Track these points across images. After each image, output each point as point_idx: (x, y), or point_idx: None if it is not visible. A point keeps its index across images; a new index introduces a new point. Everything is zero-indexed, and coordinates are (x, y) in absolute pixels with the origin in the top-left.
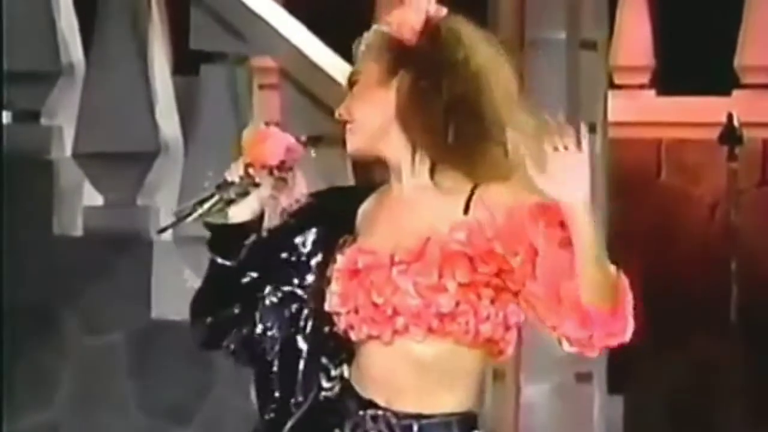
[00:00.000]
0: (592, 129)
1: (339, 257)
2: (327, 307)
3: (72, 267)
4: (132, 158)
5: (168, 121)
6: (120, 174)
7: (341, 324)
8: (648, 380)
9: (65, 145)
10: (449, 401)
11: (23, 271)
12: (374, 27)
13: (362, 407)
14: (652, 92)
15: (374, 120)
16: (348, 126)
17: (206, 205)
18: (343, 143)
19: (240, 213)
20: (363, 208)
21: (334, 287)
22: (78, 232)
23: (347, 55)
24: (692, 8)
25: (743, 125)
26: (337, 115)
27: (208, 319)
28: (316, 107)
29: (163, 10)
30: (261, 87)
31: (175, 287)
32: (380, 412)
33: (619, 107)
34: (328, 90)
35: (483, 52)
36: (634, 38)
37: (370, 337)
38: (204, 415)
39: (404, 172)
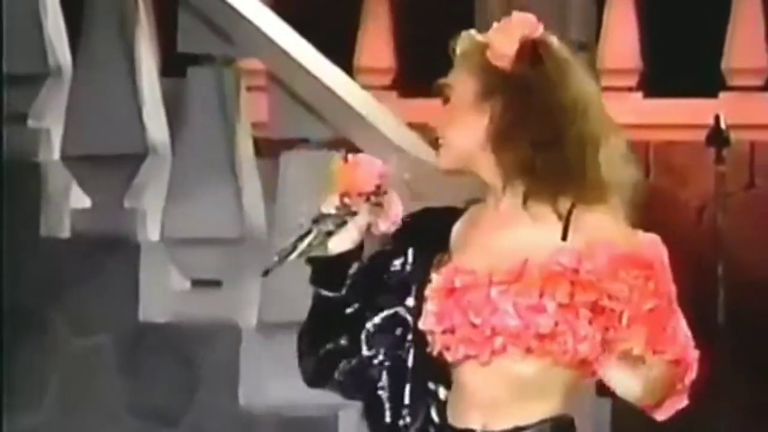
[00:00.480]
0: None
1: (435, 276)
2: (422, 325)
3: (59, 269)
4: (119, 160)
5: (155, 124)
6: (107, 176)
7: (436, 344)
8: None
9: (53, 148)
10: (545, 410)
11: (11, 273)
12: (471, 33)
13: None
14: (639, 95)
15: (466, 143)
16: (440, 141)
17: (306, 241)
18: (331, 144)
19: (340, 244)
20: (457, 227)
21: (430, 306)
22: (65, 234)
23: (334, 56)
24: (679, 10)
25: (730, 127)
26: (430, 126)
27: (320, 352)
28: (304, 109)
29: (151, 12)
30: (249, 89)
31: (162, 290)
32: None
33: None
34: (316, 92)
35: (578, 81)
36: (622, 41)
37: (467, 357)
38: (191, 417)
39: (498, 194)
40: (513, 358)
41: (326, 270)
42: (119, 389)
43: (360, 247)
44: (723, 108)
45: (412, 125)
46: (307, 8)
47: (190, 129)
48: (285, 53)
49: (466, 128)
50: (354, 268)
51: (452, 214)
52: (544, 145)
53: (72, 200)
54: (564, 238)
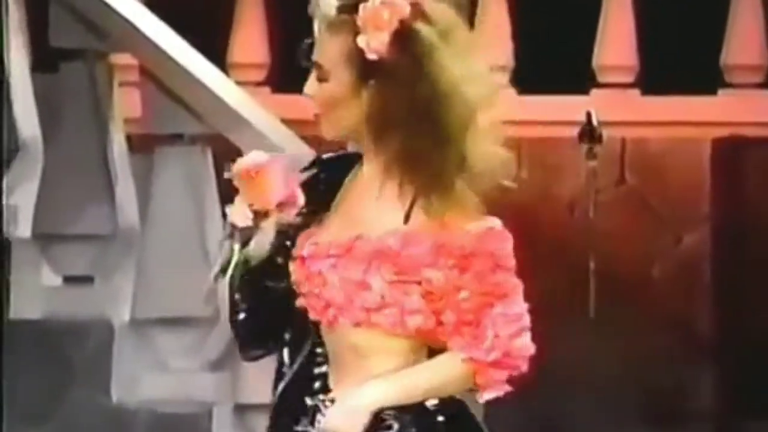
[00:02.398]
0: None
1: (298, 241)
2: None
3: None
4: None
5: (27, 119)
6: None
7: (299, 303)
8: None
9: None
10: (385, 366)
11: None
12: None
13: (323, 389)
14: (513, 91)
15: (346, 122)
16: (321, 115)
17: (233, 262)
18: (205, 140)
19: (260, 248)
20: (345, 183)
21: (291, 270)
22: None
23: (209, 52)
24: (545, 8)
25: (602, 124)
26: (307, 94)
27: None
28: (178, 105)
29: (22, 5)
30: (122, 84)
31: (34, 286)
32: (327, 403)
33: None
34: (189, 88)
35: (444, 68)
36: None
37: (318, 321)
38: (63, 413)
39: (367, 165)
40: (346, 327)
41: (258, 272)
42: None
43: (279, 236)
44: (595, 104)
45: (285, 121)
46: (181, 4)
47: (62, 124)
48: (158, 48)
49: (348, 112)
50: (282, 258)
51: (346, 166)
52: (410, 130)
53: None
54: (406, 221)
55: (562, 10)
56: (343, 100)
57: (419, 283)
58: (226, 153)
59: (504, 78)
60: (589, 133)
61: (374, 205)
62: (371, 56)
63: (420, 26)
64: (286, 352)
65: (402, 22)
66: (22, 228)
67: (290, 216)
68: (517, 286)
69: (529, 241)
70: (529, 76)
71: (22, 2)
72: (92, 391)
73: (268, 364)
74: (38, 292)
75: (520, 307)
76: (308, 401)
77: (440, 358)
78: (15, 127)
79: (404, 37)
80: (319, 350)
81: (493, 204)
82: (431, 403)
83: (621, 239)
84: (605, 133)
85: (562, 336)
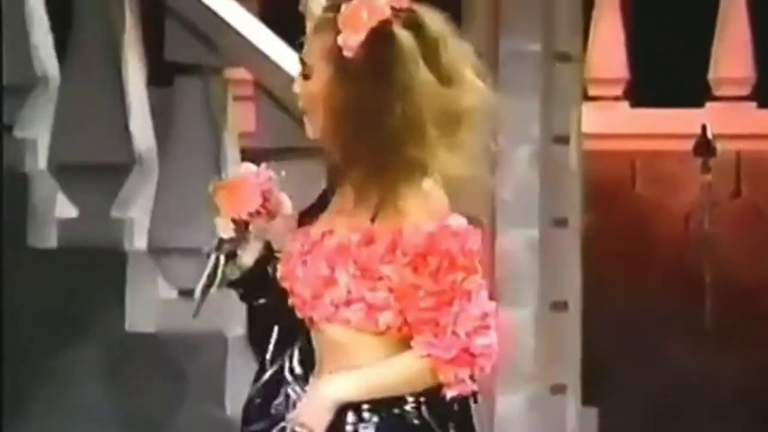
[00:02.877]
0: (564, 141)
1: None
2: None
3: (46, 279)
4: (106, 170)
5: (142, 133)
6: (94, 186)
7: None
8: (623, 391)
9: (39, 157)
10: (364, 360)
11: None
12: (322, 1)
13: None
14: (626, 104)
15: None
16: (305, 114)
17: (218, 271)
18: (317, 153)
19: (248, 258)
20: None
21: (279, 268)
22: (52, 244)
23: None
24: (667, 21)
25: (716, 137)
26: (294, 92)
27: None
28: (291, 119)
29: (138, 21)
30: (236, 98)
31: (149, 299)
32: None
33: (593, 119)
34: None
35: (410, 67)
36: (609, 51)
37: (302, 319)
38: (177, 426)
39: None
40: (320, 324)
41: (249, 285)
42: (105, 399)
43: (268, 247)
44: (709, 118)
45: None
46: (295, 17)
47: (177, 138)
48: (272, 63)
49: (322, 110)
50: (272, 268)
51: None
52: (356, 127)
53: (58, 210)
54: (373, 220)
55: (678, 23)
56: (321, 97)
57: (381, 278)
58: None
59: (618, 90)
60: (704, 146)
61: (347, 203)
62: (347, 53)
63: (398, 30)
64: (269, 349)
65: (381, 23)
66: (138, 241)
67: (270, 224)
68: (478, 285)
69: (644, 254)
70: (645, 90)
71: (139, 17)
72: (206, 403)
73: None
74: (153, 305)
75: (481, 305)
76: (291, 394)
77: (404, 355)
78: (131, 140)
79: (378, 38)
80: (304, 347)
81: (608, 217)
82: (411, 399)
83: (737, 251)
84: (720, 146)
85: (679, 347)
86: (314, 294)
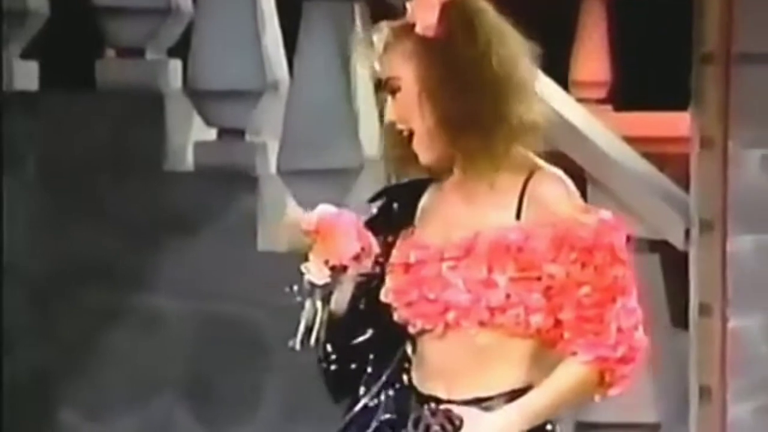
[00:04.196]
0: None
1: (394, 251)
2: (383, 299)
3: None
4: (241, 95)
5: (276, 60)
6: (230, 109)
7: (397, 317)
8: None
9: (174, 81)
10: (507, 380)
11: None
12: (386, 23)
13: (423, 403)
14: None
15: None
16: (412, 135)
17: (317, 320)
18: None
19: (341, 303)
20: (423, 200)
21: (389, 282)
22: (189, 167)
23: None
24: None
25: None
26: (396, 125)
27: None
28: None
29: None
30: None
31: (278, 221)
32: (440, 407)
33: None
34: None
35: (487, 30)
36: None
37: (424, 331)
38: None
39: (456, 170)
40: (467, 331)
41: (347, 326)
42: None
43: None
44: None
45: (627, 139)
46: None
47: (307, 62)
48: None
49: (420, 114)
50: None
51: (417, 187)
52: (460, 94)
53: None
54: (518, 216)
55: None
56: (417, 96)
57: (539, 279)
58: None
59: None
60: None
61: (477, 205)
62: (428, 33)
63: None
64: (364, 381)
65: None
66: (269, 164)
67: (366, 267)
68: (633, 278)
69: None
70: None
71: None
72: None
73: None
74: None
75: (636, 299)
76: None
77: (561, 370)
78: (265, 66)
79: (452, 6)
80: (403, 375)
81: None
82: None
83: None
84: None
85: None
86: (474, 298)
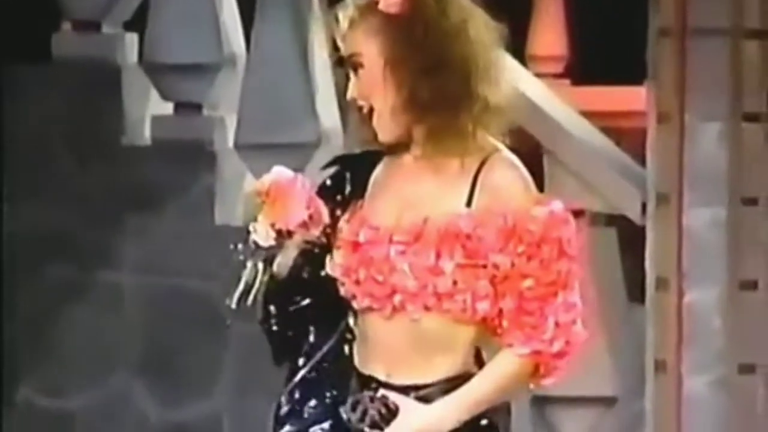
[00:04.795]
0: (755, 119)
1: (345, 226)
2: (329, 272)
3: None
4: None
5: (233, 35)
6: (187, 83)
7: (343, 291)
8: None
9: (130, 54)
10: (446, 367)
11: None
12: (351, 1)
13: (362, 384)
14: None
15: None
16: (372, 113)
17: (257, 281)
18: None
19: (283, 267)
20: (375, 174)
21: (337, 257)
22: (146, 142)
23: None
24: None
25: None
26: (355, 101)
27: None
28: None
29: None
30: None
31: (237, 194)
32: (378, 394)
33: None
34: None
35: (458, 7)
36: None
37: (370, 309)
38: None
39: (411, 147)
40: (412, 314)
41: (286, 292)
42: None
43: (301, 252)
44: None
45: (584, 113)
46: None
47: (264, 36)
48: None
49: (382, 91)
50: (307, 271)
51: (371, 159)
52: (428, 72)
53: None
54: (469, 202)
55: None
56: (381, 73)
57: (485, 266)
58: None
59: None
60: None
61: (429, 186)
62: (394, 10)
63: None
64: (303, 352)
65: None
66: (227, 139)
67: (313, 235)
68: (577, 273)
69: None
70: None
71: None
72: None
73: None
74: (241, 199)
75: (577, 294)
76: (349, 396)
77: (498, 360)
78: (222, 40)
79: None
80: (345, 346)
81: None
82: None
83: None
84: None
85: None
86: (420, 284)
